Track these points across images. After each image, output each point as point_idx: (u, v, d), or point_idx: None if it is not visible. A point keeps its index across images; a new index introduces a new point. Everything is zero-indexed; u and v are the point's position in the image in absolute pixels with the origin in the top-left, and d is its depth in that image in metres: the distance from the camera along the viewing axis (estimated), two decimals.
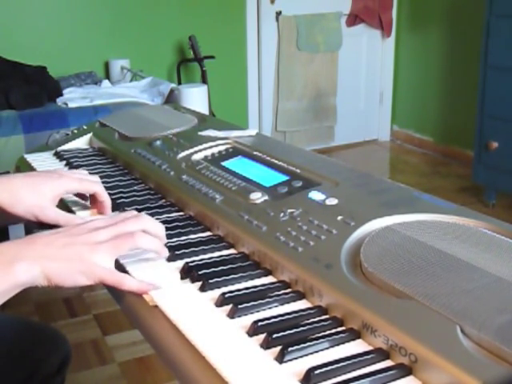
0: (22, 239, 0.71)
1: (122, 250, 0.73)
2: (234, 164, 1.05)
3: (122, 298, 0.75)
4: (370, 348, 0.59)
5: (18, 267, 0.67)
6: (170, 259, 0.80)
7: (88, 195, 0.97)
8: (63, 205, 0.99)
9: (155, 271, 0.76)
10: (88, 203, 0.99)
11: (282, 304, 0.68)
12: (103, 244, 0.72)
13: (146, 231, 0.76)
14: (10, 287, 0.67)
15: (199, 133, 1.22)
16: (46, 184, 0.88)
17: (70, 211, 0.97)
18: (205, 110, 2.72)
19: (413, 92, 4.31)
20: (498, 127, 3.02)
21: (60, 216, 0.88)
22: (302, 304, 0.68)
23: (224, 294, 0.69)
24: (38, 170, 1.20)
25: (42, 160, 1.27)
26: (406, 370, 0.55)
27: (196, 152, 1.13)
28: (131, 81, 3.33)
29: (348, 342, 0.61)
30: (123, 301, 0.75)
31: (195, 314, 0.67)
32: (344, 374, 0.56)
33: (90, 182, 0.93)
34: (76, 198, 1.00)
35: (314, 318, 0.65)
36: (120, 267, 0.76)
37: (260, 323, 0.62)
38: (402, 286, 0.62)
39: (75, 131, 1.43)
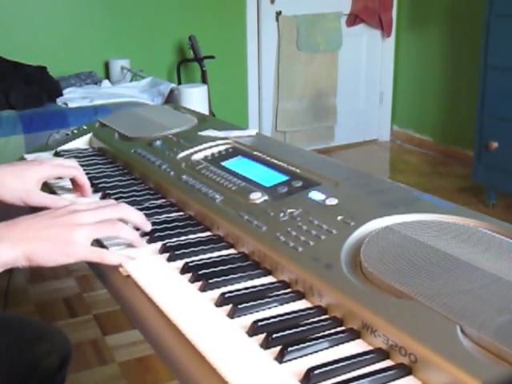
0: (3, 223, 0.75)
1: (101, 234, 0.78)
2: (234, 164, 1.05)
3: (122, 298, 0.75)
4: (369, 348, 0.59)
5: (0, 248, 0.71)
6: (170, 259, 0.80)
7: (71, 183, 1.03)
8: (48, 189, 1.05)
9: (164, 279, 0.77)
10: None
11: (281, 304, 0.68)
12: (83, 225, 0.76)
13: (126, 219, 0.81)
14: None
15: (199, 133, 1.22)
16: (28, 170, 0.94)
17: (55, 194, 1.04)
18: (205, 110, 2.72)
19: (413, 92, 4.31)
20: (498, 127, 3.02)
21: (46, 198, 0.93)
22: (301, 304, 0.68)
23: (224, 293, 0.69)
24: None
25: None
26: (405, 370, 0.55)
27: (196, 152, 1.13)
28: (131, 81, 3.32)
29: (348, 342, 0.61)
30: (123, 300, 0.75)
31: (195, 314, 0.67)
32: (344, 373, 0.56)
33: (67, 168, 0.98)
34: (61, 183, 1.07)
35: (314, 318, 0.65)
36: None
37: (260, 323, 0.62)
38: (402, 286, 0.62)
39: (75, 131, 1.43)
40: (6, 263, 0.72)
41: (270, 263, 0.76)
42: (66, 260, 0.74)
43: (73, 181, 1.02)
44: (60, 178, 1.05)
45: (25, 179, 0.93)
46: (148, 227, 0.85)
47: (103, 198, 1.01)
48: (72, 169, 0.99)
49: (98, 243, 0.83)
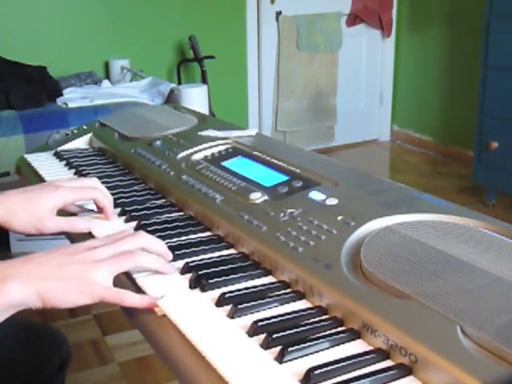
0: (17, 259, 0.69)
1: (122, 268, 0.71)
2: (234, 164, 1.05)
3: None
4: (369, 348, 0.59)
5: (11, 287, 0.64)
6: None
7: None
8: (65, 213, 0.95)
9: (164, 281, 0.74)
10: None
11: (281, 304, 0.68)
12: (102, 262, 0.70)
13: (146, 249, 0.74)
14: (4, 308, 0.65)
15: (199, 133, 1.22)
16: (41, 197, 0.86)
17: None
18: (205, 110, 2.72)
19: (413, 92, 4.31)
20: (498, 127, 3.02)
21: (62, 222, 0.86)
22: (301, 304, 0.68)
23: (224, 293, 0.69)
24: (38, 170, 1.20)
25: (41, 160, 1.27)
26: (405, 370, 0.55)
27: (196, 152, 1.13)
28: (131, 81, 3.32)
29: (348, 342, 0.61)
30: None
31: (195, 314, 0.67)
32: (344, 374, 0.56)
33: (87, 190, 0.90)
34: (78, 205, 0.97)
35: (314, 318, 0.65)
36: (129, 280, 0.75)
37: (260, 323, 0.62)
38: (402, 286, 0.62)
39: (75, 131, 1.43)
40: (18, 304, 0.65)
41: (270, 263, 0.76)
42: (83, 301, 0.67)
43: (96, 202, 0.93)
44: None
45: (37, 207, 0.85)
46: (169, 257, 0.78)
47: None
48: (91, 191, 0.90)
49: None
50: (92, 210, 0.96)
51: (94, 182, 0.93)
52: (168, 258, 0.77)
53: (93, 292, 0.67)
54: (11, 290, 0.65)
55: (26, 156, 1.30)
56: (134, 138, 1.26)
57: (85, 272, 0.68)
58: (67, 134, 1.42)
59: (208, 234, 0.88)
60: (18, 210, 0.84)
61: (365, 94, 4.44)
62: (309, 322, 0.64)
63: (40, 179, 1.15)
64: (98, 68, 3.50)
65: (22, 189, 0.89)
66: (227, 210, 0.88)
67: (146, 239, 0.75)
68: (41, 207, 0.85)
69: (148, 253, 0.73)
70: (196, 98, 2.76)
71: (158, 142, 1.20)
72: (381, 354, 0.58)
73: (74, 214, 0.95)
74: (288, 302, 0.68)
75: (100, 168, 1.18)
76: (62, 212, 0.91)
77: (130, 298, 0.69)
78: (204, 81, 3.55)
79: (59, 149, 1.33)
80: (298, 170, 0.97)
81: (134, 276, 0.75)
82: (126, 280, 0.75)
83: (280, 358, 0.57)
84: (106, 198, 0.91)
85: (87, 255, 0.70)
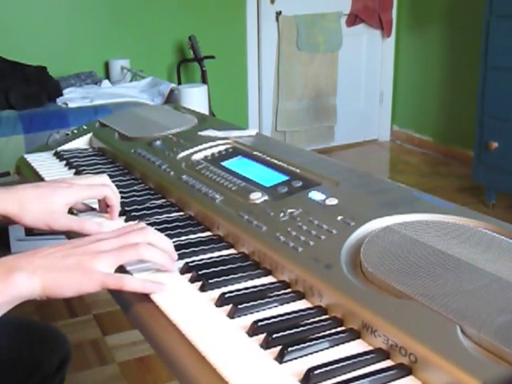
0: (24, 252, 0.70)
1: (124, 259, 0.72)
2: (234, 164, 1.05)
3: (121, 298, 0.75)
4: (369, 348, 0.59)
5: (16, 278, 0.66)
6: None
7: (97, 200, 0.95)
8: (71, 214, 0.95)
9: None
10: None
11: (281, 304, 0.68)
12: (104, 252, 0.70)
13: (152, 244, 0.74)
14: (10, 299, 0.66)
15: (199, 133, 1.22)
16: (55, 194, 0.86)
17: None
18: (205, 110, 2.72)
19: (413, 92, 4.31)
20: (498, 127, 3.02)
21: (72, 221, 0.86)
22: (301, 304, 0.68)
23: (224, 293, 0.69)
24: (38, 170, 1.20)
25: (42, 160, 1.27)
26: (405, 370, 0.55)
27: (196, 152, 1.13)
28: (131, 81, 3.32)
29: (348, 341, 0.61)
30: (123, 301, 0.75)
31: (195, 313, 0.67)
32: (344, 373, 0.56)
33: (100, 187, 0.91)
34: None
35: (314, 318, 0.65)
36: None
37: (260, 323, 0.62)
38: (402, 286, 0.62)
39: (75, 131, 1.43)
40: (24, 295, 0.66)
41: (270, 263, 0.76)
42: (84, 289, 0.68)
43: (101, 201, 0.94)
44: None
45: (50, 203, 0.85)
46: (175, 257, 0.77)
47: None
48: (103, 188, 0.91)
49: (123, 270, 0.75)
50: (95, 209, 0.96)
51: (104, 179, 0.93)
52: (173, 258, 0.77)
53: (93, 280, 0.68)
54: (18, 282, 0.66)
55: (25, 156, 1.30)
56: (134, 138, 1.27)
57: (86, 262, 0.69)
58: (67, 134, 1.42)
59: (208, 233, 0.88)
60: (30, 204, 0.85)
61: (365, 94, 4.44)
62: (309, 321, 0.64)
63: (40, 179, 1.15)
64: (97, 68, 3.50)
65: (36, 184, 0.90)
66: (227, 209, 0.88)
67: (152, 235, 0.75)
68: (53, 203, 0.86)
69: (153, 247, 0.73)
70: (196, 98, 2.76)
71: (157, 142, 1.20)
72: (381, 353, 0.58)
73: (73, 213, 0.95)
74: (288, 302, 0.68)
75: (100, 168, 1.18)
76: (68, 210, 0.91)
77: (130, 282, 0.70)
78: (204, 81, 3.55)
79: (59, 149, 1.33)
80: (298, 170, 0.97)
81: (134, 275, 0.75)
82: None
83: (280, 358, 0.57)
84: (115, 197, 0.92)
85: (91, 247, 0.71)
